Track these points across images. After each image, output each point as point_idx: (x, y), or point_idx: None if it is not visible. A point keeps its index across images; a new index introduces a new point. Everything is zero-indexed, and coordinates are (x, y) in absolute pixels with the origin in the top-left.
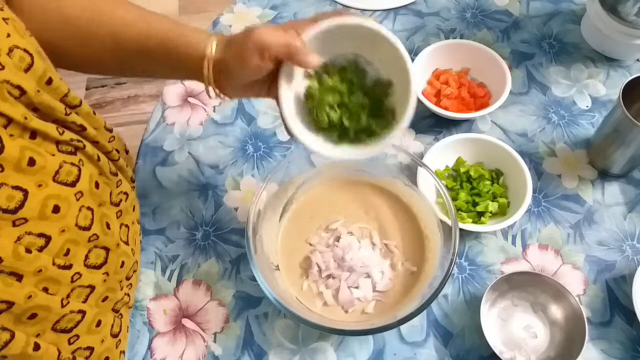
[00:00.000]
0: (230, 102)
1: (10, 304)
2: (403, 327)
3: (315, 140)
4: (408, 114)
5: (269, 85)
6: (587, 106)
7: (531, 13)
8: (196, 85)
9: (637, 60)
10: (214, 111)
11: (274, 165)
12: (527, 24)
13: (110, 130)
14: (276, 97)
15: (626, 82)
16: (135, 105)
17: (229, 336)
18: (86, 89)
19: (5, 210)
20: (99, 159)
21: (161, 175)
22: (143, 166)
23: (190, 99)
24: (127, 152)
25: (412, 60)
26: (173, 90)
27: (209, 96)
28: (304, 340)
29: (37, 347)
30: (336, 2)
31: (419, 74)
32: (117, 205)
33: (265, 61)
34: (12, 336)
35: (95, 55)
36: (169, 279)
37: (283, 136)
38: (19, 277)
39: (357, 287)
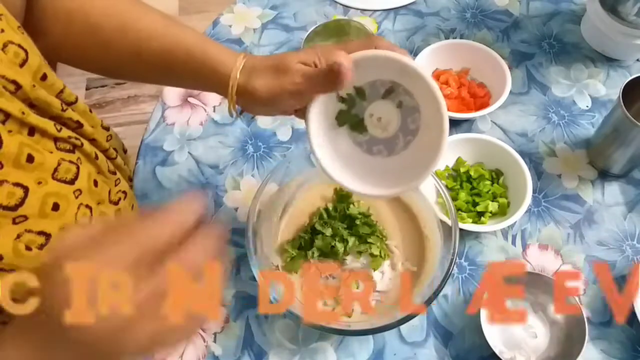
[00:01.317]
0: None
1: None
2: (403, 327)
3: (340, 172)
4: (441, 152)
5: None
6: (587, 106)
7: (531, 13)
8: None
9: (637, 60)
10: (214, 111)
11: (274, 165)
12: (527, 24)
13: (107, 129)
14: (305, 121)
15: (626, 82)
16: (135, 105)
17: (229, 336)
18: (86, 89)
19: (6, 207)
20: (96, 157)
21: (161, 175)
22: (143, 166)
23: (190, 99)
24: (125, 151)
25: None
26: (173, 90)
27: (231, 115)
28: (304, 340)
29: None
30: (336, 2)
31: None
32: (116, 204)
33: (302, 103)
34: None
35: (115, 64)
36: None
37: (283, 136)
38: None
39: (357, 287)
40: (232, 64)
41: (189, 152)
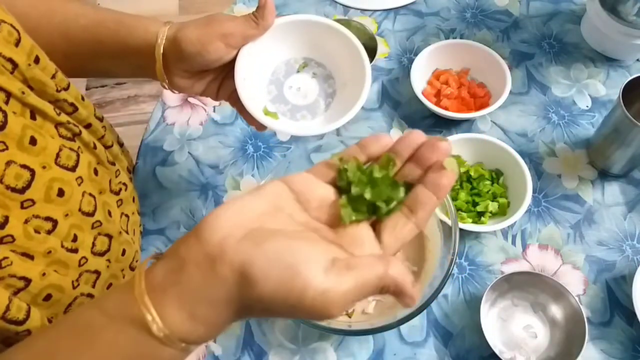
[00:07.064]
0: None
1: (28, 281)
2: (403, 327)
3: (272, 121)
4: (362, 100)
5: (218, 86)
6: (587, 106)
7: (531, 13)
8: None
9: (637, 60)
10: (214, 111)
11: (274, 165)
12: (527, 24)
13: (101, 119)
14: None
15: (626, 82)
16: (135, 105)
17: (229, 336)
18: (86, 89)
19: (14, 190)
20: (95, 147)
21: (161, 175)
22: (143, 166)
23: (190, 99)
24: (121, 144)
25: (412, 60)
26: None
27: (163, 86)
28: (304, 340)
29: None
30: (336, 2)
31: (419, 74)
32: (117, 194)
33: (229, 49)
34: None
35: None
36: None
37: (283, 136)
38: (31, 258)
39: None
40: (162, 24)
41: (189, 152)
